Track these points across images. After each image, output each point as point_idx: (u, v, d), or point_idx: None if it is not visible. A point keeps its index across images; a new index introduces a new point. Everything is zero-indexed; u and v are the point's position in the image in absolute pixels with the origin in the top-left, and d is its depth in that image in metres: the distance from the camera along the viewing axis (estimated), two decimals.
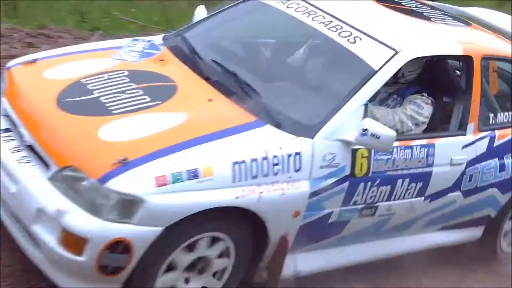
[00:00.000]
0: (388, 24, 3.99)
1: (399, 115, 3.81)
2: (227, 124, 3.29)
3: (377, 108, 3.80)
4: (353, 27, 3.77)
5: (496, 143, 4.14)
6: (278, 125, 3.33)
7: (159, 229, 2.88)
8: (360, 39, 3.70)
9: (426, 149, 3.77)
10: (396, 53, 3.63)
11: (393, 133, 3.34)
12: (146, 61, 3.72)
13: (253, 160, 3.12)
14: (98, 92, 3.35)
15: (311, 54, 3.99)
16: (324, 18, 3.86)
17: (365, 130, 3.32)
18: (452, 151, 3.91)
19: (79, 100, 3.29)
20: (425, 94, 3.98)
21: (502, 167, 4.19)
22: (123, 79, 3.48)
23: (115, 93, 3.35)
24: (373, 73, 3.55)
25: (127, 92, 3.38)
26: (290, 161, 3.23)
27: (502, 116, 4.19)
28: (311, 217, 3.43)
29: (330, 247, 3.68)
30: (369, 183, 3.57)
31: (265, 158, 3.16)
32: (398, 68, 3.65)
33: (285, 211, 3.29)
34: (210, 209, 2.99)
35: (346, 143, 3.40)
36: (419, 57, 3.78)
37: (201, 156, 3.02)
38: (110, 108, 3.24)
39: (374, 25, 3.86)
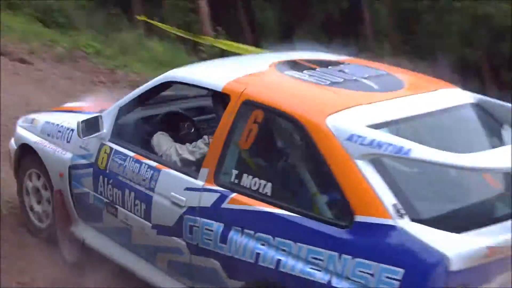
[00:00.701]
0: None
1: (172, 149, 3.86)
2: None
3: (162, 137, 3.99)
4: None
5: (225, 205, 3.28)
6: None
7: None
8: None
9: (151, 171, 3.72)
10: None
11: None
12: None
13: (53, 124, 4.52)
14: None
15: None
16: None
17: None
18: (174, 187, 3.57)
19: None
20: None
21: (224, 239, 3.24)
22: None
23: None
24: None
25: None
26: (66, 134, 4.36)
27: (250, 181, 3.25)
28: (78, 190, 4.32)
29: (110, 239, 4.20)
30: (106, 179, 4.05)
31: (55, 125, 4.48)
32: (153, 85, 3.91)
33: (54, 167, 4.45)
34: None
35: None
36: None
37: None
38: None
39: None
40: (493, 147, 3.23)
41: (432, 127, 3.41)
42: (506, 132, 3.53)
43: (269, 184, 3.20)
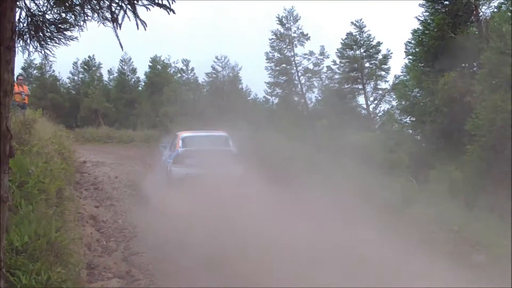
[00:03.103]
0: None
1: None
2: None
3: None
4: None
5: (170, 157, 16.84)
6: None
7: None
8: None
9: (169, 154, 17.48)
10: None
11: None
12: None
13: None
14: None
15: None
16: None
17: None
18: (170, 157, 17.24)
19: None
20: None
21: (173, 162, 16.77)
22: None
23: None
24: None
25: None
26: (163, 151, 18.38)
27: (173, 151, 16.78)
28: (162, 161, 18.18)
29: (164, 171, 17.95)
30: (165, 159, 17.86)
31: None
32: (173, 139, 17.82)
33: (163, 158, 18.46)
34: None
35: None
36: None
37: None
38: None
39: None
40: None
41: (205, 138, 16.71)
42: (228, 141, 16.52)
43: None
